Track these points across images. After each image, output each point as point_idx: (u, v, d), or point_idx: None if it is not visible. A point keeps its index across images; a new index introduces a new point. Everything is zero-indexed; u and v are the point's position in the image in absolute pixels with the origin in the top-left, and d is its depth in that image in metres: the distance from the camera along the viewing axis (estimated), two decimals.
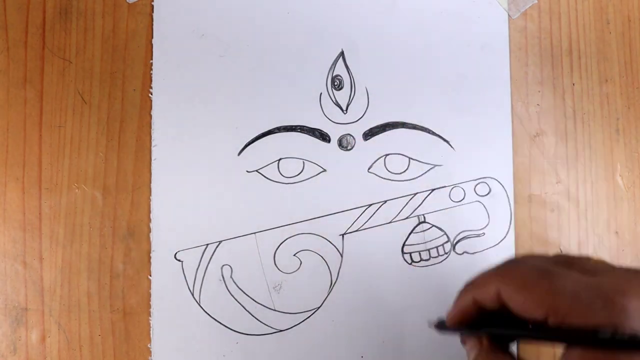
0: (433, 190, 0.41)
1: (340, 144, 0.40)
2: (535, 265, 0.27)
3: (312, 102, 0.40)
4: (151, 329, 0.39)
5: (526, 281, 0.27)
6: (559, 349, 0.29)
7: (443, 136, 0.41)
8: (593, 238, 0.42)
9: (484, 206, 0.41)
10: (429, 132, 0.41)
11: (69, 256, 0.39)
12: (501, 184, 0.41)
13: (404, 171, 0.40)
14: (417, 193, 0.40)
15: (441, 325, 0.34)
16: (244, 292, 0.40)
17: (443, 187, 0.41)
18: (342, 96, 0.40)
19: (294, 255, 0.40)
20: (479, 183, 0.41)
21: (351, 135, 0.40)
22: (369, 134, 0.40)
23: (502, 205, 0.41)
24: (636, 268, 0.27)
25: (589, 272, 0.27)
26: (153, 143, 0.40)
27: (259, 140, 0.40)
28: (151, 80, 0.40)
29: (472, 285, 0.31)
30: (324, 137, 0.40)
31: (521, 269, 0.28)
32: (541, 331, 0.27)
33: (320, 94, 0.40)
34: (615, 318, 0.24)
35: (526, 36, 0.42)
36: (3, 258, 0.39)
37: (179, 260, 0.39)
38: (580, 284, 0.25)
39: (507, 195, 0.41)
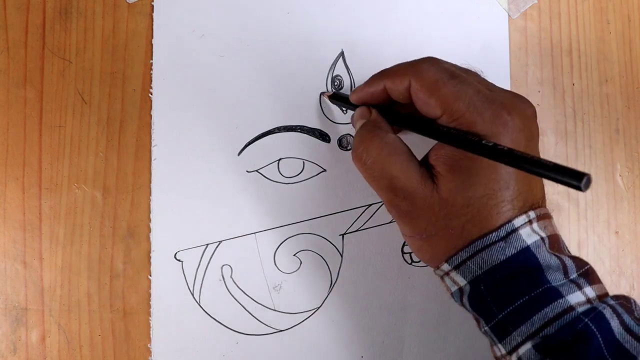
0: None
1: (340, 143, 0.40)
2: (446, 69, 0.30)
3: (312, 102, 0.40)
4: (151, 329, 0.39)
5: (436, 81, 0.30)
6: None
7: None
8: (593, 238, 0.42)
9: None
10: None
11: (69, 256, 0.39)
12: None
13: None
14: None
15: (336, 97, 0.38)
16: (244, 292, 0.40)
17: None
18: None
19: (294, 255, 0.40)
20: None
21: (351, 135, 0.40)
22: None
23: None
24: (519, 95, 0.31)
25: (486, 86, 0.30)
26: (153, 143, 0.40)
27: (259, 140, 0.40)
28: (151, 80, 0.40)
29: (387, 74, 0.33)
30: (323, 137, 0.40)
31: (434, 68, 0.30)
32: (435, 129, 0.30)
33: (320, 93, 0.40)
34: (496, 130, 0.28)
35: (526, 36, 0.42)
36: (3, 258, 0.39)
37: (179, 260, 0.39)
38: (479, 95, 0.29)
39: None
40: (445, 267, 0.31)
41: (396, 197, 0.31)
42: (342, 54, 0.40)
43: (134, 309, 0.39)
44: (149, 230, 0.39)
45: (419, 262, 0.40)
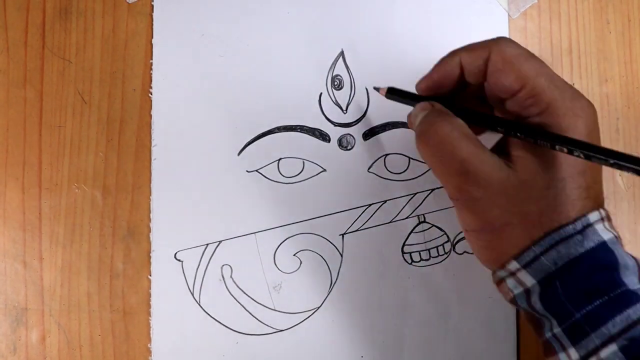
0: (433, 190, 0.41)
1: (340, 143, 0.40)
2: (525, 49, 0.30)
3: (312, 102, 0.40)
4: (151, 329, 0.39)
5: (518, 56, 0.30)
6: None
7: None
8: None
9: None
10: None
11: (69, 256, 0.39)
12: None
13: (404, 171, 0.40)
14: (417, 193, 0.40)
15: (394, 92, 0.36)
16: (244, 292, 0.40)
17: (443, 186, 0.41)
18: (342, 96, 0.40)
19: (294, 255, 0.40)
20: None
21: (351, 135, 0.40)
22: (369, 134, 0.40)
23: None
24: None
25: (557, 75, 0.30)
26: (153, 143, 0.40)
27: (259, 140, 0.40)
28: (151, 80, 0.40)
29: (463, 48, 0.32)
30: (324, 137, 0.40)
31: (514, 45, 0.30)
32: (504, 123, 0.30)
33: (320, 94, 0.40)
34: (574, 111, 0.28)
35: (526, 36, 0.42)
36: (3, 258, 0.39)
37: (179, 260, 0.39)
38: (557, 76, 0.29)
39: None
40: (513, 265, 0.29)
41: (467, 182, 0.29)
42: (342, 53, 0.40)
43: (134, 309, 0.39)
44: (149, 230, 0.39)
45: (419, 262, 0.40)
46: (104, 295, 0.39)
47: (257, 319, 0.40)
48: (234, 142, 0.40)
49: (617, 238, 0.30)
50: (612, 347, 0.27)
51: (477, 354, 0.40)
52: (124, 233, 0.40)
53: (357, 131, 0.40)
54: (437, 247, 0.40)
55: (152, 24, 0.40)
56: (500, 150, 0.31)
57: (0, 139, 0.40)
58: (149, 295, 0.39)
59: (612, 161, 0.26)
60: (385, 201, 0.40)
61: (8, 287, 0.39)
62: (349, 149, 0.40)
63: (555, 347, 0.29)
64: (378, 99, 0.40)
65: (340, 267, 0.40)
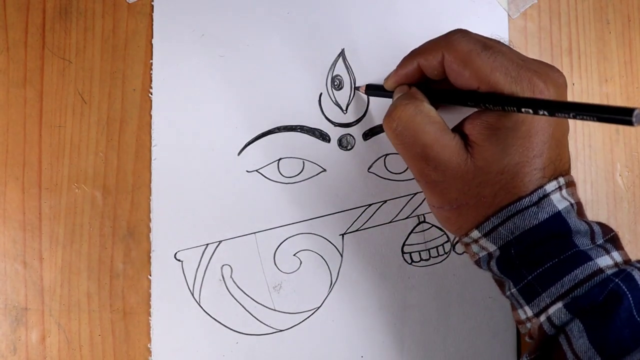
0: None
1: (340, 143, 0.40)
2: (478, 40, 0.30)
3: (312, 102, 0.40)
4: (151, 329, 0.39)
5: (470, 52, 0.30)
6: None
7: None
8: None
9: None
10: None
11: (69, 256, 0.39)
12: None
13: (404, 171, 0.40)
14: (417, 193, 0.40)
15: (371, 88, 0.39)
16: (244, 292, 0.40)
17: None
18: (342, 96, 0.40)
19: (294, 255, 0.40)
20: None
21: (351, 135, 0.40)
22: (369, 134, 0.40)
23: None
24: (550, 64, 0.32)
25: (517, 55, 0.31)
26: (153, 143, 0.40)
27: (259, 140, 0.40)
28: (151, 80, 0.40)
29: (419, 52, 0.33)
30: (323, 137, 0.40)
31: (466, 40, 0.30)
32: (479, 95, 0.30)
33: (320, 94, 0.40)
34: (533, 95, 0.29)
35: (526, 36, 0.42)
36: (3, 258, 0.39)
37: (179, 260, 0.39)
38: (513, 64, 0.29)
39: None
40: (475, 234, 0.31)
41: (427, 166, 0.31)
42: (342, 53, 0.40)
43: (134, 309, 0.39)
44: (149, 230, 0.39)
45: (418, 262, 0.40)
46: (104, 295, 0.39)
47: (257, 319, 0.40)
48: (234, 142, 0.40)
49: (575, 205, 0.31)
50: (559, 305, 0.29)
51: (477, 354, 0.40)
52: (124, 233, 0.40)
53: (357, 131, 0.40)
54: (437, 247, 0.40)
55: (152, 24, 0.40)
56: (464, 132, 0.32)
57: (0, 139, 0.40)
58: (149, 295, 0.39)
59: (572, 114, 0.26)
60: (385, 201, 0.40)
61: (8, 287, 0.39)
62: (349, 149, 0.40)
63: (514, 304, 0.32)
64: (378, 99, 0.40)
65: (340, 267, 0.40)
